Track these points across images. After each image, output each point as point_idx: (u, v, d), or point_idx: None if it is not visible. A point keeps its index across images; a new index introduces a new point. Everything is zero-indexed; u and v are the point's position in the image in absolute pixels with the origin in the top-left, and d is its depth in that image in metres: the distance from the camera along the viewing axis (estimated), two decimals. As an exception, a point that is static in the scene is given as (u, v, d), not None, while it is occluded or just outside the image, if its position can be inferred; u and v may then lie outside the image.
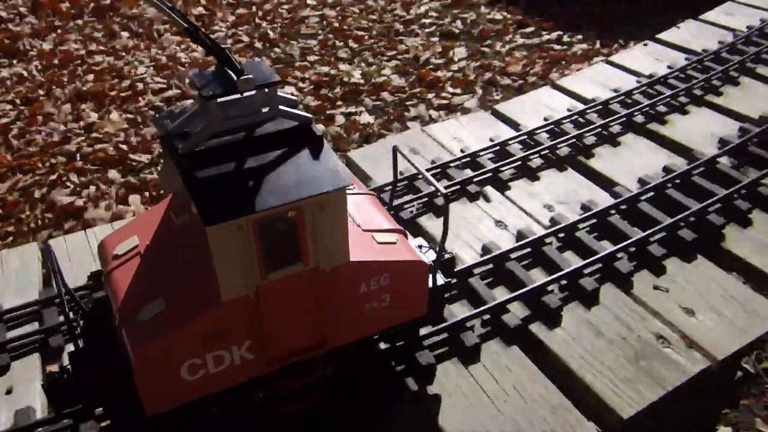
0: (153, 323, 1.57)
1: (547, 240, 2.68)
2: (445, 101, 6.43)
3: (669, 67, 3.91)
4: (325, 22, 7.70)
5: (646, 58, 4.14)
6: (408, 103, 6.42)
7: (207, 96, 1.50)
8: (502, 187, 3.06)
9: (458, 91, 6.53)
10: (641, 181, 3.04)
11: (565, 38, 7.14)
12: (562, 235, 2.72)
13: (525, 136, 3.33)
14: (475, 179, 3.05)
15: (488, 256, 2.58)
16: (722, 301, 2.45)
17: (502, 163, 3.13)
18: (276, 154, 1.57)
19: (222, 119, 1.54)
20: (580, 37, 7.14)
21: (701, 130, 3.42)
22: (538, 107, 3.65)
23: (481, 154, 3.21)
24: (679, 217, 2.75)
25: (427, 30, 7.37)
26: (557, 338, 2.32)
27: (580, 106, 3.57)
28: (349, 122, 6.21)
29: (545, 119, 3.47)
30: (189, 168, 1.52)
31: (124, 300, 1.64)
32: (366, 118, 6.28)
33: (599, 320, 2.39)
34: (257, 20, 7.80)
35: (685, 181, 3.01)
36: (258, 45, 7.21)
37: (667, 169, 3.11)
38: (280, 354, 1.74)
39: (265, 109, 1.59)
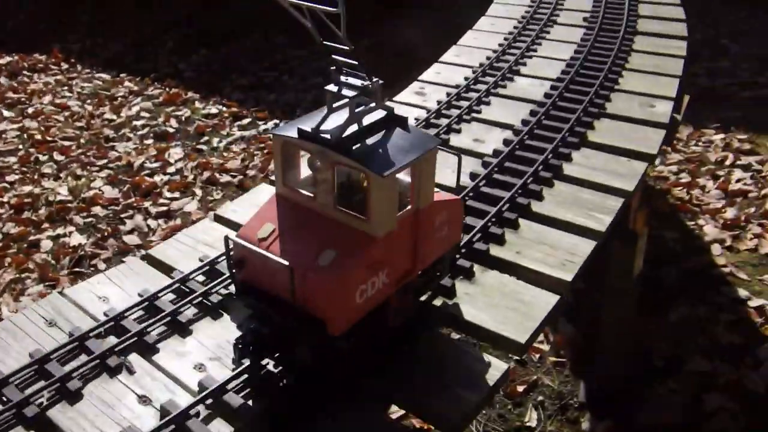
0: (334, 266, 2.07)
1: (192, 412, 2.50)
2: (164, 208, 6.18)
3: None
4: (25, 134, 7.09)
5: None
6: (123, 215, 6.08)
7: (352, 96, 2.12)
8: (149, 351, 2.85)
9: (176, 195, 6.31)
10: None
11: (283, 125, 7.26)
12: (210, 401, 2.56)
13: (178, 284, 3.16)
14: (116, 348, 2.80)
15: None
16: None
17: (150, 321, 2.92)
18: (383, 133, 2.21)
19: (355, 113, 2.15)
20: (297, 122, 7.29)
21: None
22: (196, 245, 3.48)
23: (127, 314, 2.96)
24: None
25: (140, 132, 7.08)
26: None
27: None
28: (57, 246, 5.73)
29: (200, 260, 3.31)
30: (346, 147, 2.07)
31: (296, 259, 2.07)
32: (77, 238, 5.83)
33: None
34: (-58, 140, 7.00)
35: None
36: (-56, 170, 6.44)
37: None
38: (400, 277, 2.32)
39: (372, 104, 2.22)
